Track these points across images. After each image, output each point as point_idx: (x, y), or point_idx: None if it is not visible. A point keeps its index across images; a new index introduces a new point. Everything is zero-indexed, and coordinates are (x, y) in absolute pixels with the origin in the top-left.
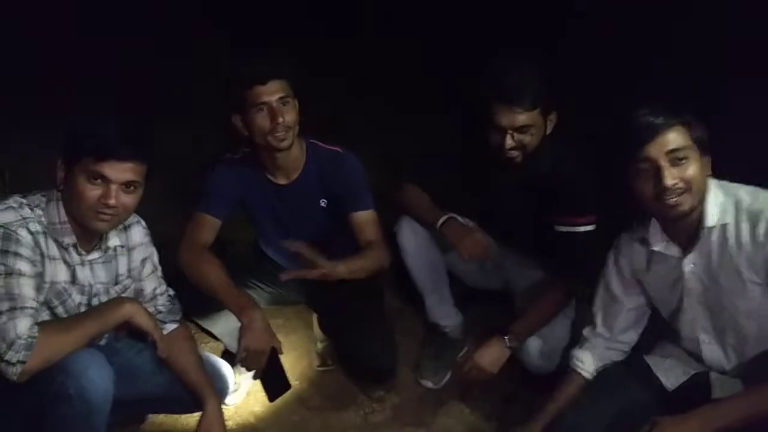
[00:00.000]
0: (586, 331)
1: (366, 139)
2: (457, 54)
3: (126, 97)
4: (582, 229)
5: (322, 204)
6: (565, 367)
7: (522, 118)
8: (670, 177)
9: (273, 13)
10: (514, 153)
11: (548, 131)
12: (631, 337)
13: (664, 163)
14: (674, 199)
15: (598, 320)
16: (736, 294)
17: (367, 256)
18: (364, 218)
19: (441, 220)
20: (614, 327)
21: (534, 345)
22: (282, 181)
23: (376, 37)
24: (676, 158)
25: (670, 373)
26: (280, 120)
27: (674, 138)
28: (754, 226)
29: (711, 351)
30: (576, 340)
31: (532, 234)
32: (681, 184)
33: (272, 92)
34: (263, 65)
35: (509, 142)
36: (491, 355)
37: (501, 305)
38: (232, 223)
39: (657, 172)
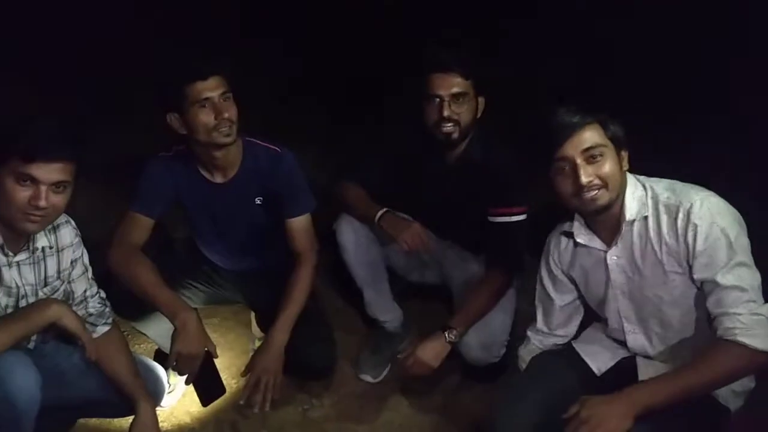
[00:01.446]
0: (528, 330)
1: (308, 137)
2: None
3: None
4: (515, 219)
5: (258, 202)
6: (504, 359)
7: (457, 81)
8: (586, 175)
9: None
10: (450, 127)
11: (479, 114)
12: (569, 330)
13: (580, 161)
14: (592, 195)
15: (538, 317)
16: (658, 285)
17: (299, 289)
18: (299, 225)
19: (379, 214)
20: (552, 322)
21: (473, 337)
22: (218, 180)
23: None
24: (591, 156)
25: (598, 358)
26: (225, 115)
27: (589, 136)
28: (674, 219)
29: (635, 339)
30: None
31: (466, 225)
32: (597, 181)
33: (214, 88)
34: (202, 61)
35: (446, 111)
36: (433, 350)
37: (439, 299)
38: (169, 222)
39: (574, 170)
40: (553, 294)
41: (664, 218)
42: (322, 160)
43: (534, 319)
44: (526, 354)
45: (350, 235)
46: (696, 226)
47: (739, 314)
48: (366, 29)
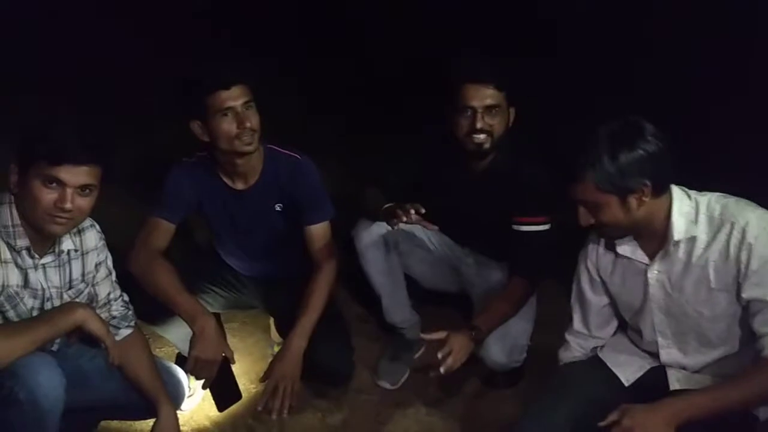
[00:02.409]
0: (567, 334)
1: (329, 144)
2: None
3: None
4: (541, 228)
5: (278, 208)
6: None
7: (491, 93)
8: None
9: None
10: (482, 137)
11: (510, 123)
12: (608, 331)
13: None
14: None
15: (576, 318)
16: (700, 301)
17: (318, 296)
18: (318, 232)
19: (385, 207)
20: (590, 324)
21: (494, 342)
22: (239, 186)
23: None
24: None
25: (627, 369)
26: (248, 125)
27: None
28: (727, 237)
29: (668, 354)
30: None
31: (489, 234)
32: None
33: (236, 97)
34: (226, 70)
35: (479, 123)
36: (460, 342)
37: (458, 307)
38: (191, 227)
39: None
40: (590, 295)
41: (715, 235)
42: (340, 169)
43: (570, 321)
44: (567, 358)
45: (368, 241)
46: (751, 245)
47: None
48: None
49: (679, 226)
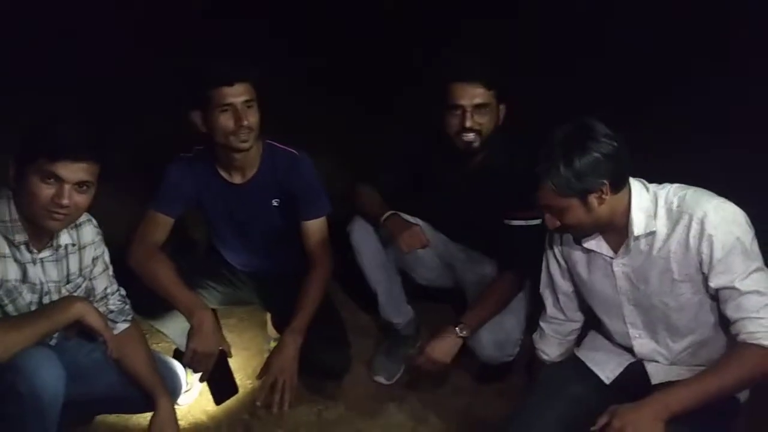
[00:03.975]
0: (541, 321)
1: (326, 140)
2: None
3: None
4: (531, 222)
5: (275, 203)
6: (515, 357)
7: (480, 92)
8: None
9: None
10: (472, 136)
11: (500, 121)
12: (581, 315)
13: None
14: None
15: (548, 304)
16: (665, 292)
17: (314, 291)
18: (314, 228)
19: (385, 216)
20: (563, 307)
21: (487, 336)
22: (237, 181)
23: (334, 40)
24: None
25: (605, 367)
26: (245, 123)
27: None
28: (687, 229)
29: (641, 344)
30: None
31: (481, 229)
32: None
33: (238, 94)
34: (230, 67)
35: (468, 122)
36: (443, 346)
37: (452, 302)
38: (187, 222)
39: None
40: (560, 281)
41: (674, 228)
42: (335, 165)
43: (544, 308)
44: (544, 346)
45: (364, 237)
46: (711, 236)
47: (761, 318)
48: (377, 31)
49: (638, 222)
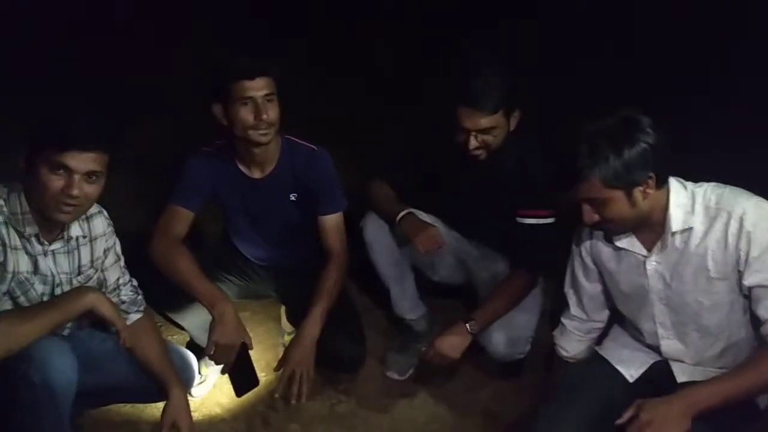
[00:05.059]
0: (563, 318)
1: (340, 132)
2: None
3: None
4: (545, 221)
5: (292, 198)
6: (526, 355)
7: (485, 121)
8: (589, 218)
9: None
10: (478, 152)
11: (512, 128)
12: (604, 315)
13: (585, 206)
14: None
15: (571, 302)
16: (699, 291)
17: (330, 285)
18: (331, 223)
19: (400, 215)
20: (586, 308)
21: (498, 333)
22: (256, 175)
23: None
24: (587, 200)
25: (630, 365)
26: (264, 117)
27: (587, 188)
28: (725, 226)
29: (668, 344)
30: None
31: (494, 226)
32: (605, 224)
33: (258, 88)
34: (252, 60)
35: (473, 142)
36: (453, 341)
37: (465, 298)
38: (203, 216)
39: (580, 210)
40: (583, 282)
41: (712, 225)
42: (347, 161)
43: (567, 306)
44: (564, 342)
45: (377, 233)
46: (750, 233)
47: None
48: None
49: (676, 218)
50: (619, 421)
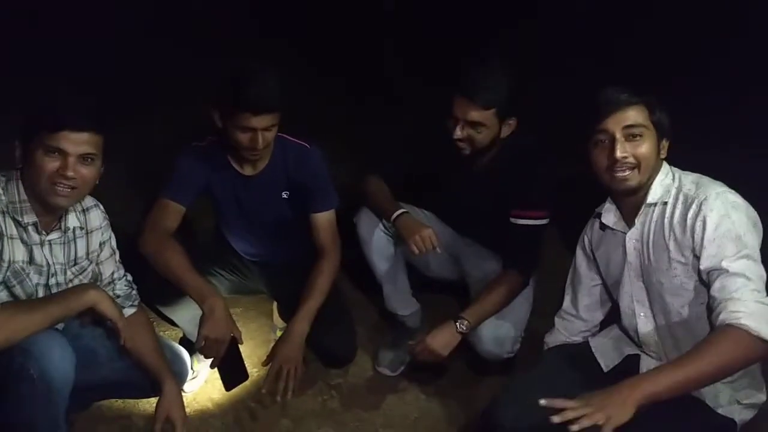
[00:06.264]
0: (556, 317)
1: (335, 130)
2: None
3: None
4: (538, 222)
5: (284, 195)
6: (515, 354)
7: (475, 114)
8: (621, 150)
9: None
10: (462, 144)
11: (503, 134)
12: (596, 315)
13: (619, 136)
14: (623, 174)
15: (566, 299)
16: (662, 272)
17: (321, 281)
18: (323, 220)
19: (396, 214)
20: (579, 304)
21: (487, 332)
22: (248, 172)
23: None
24: (631, 134)
25: (607, 355)
26: (260, 146)
27: (633, 115)
28: (686, 209)
29: (645, 324)
30: None
31: (487, 225)
32: (631, 159)
33: (261, 122)
34: (262, 97)
35: (458, 132)
36: (442, 339)
37: (458, 295)
38: (195, 212)
39: (612, 145)
40: (583, 273)
41: (679, 207)
42: (339, 157)
43: (561, 303)
44: (551, 341)
45: (371, 228)
46: (705, 216)
47: (744, 300)
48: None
49: (655, 192)
50: (557, 420)
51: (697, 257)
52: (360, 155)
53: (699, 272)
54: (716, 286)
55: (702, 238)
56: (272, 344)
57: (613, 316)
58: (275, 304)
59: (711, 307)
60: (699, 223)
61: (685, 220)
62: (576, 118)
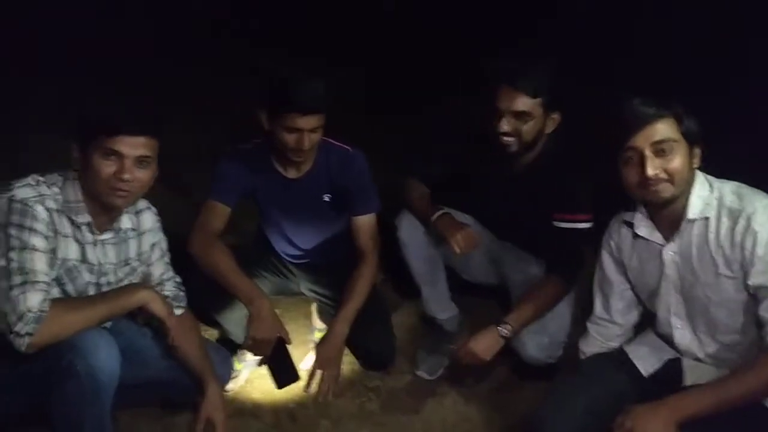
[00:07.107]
0: (588, 323)
1: (372, 135)
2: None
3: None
4: (581, 225)
5: (326, 198)
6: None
7: (522, 102)
8: (652, 167)
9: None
10: (510, 139)
11: (548, 130)
12: (630, 318)
13: (648, 153)
14: (655, 188)
15: (597, 304)
16: (709, 286)
17: (361, 284)
18: (364, 223)
19: (436, 215)
20: (611, 308)
21: (531, 337)
22: (292, 175)
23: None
24: (661, 149)
25: (646, 361)
26: (306, 147)
27: (662, 129)
28: (734, 224)
29: (682, 335)
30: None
31: (528, 229)
32: (663, 175)
33: (307, 124)
34: (309, 98)
35: (504, 126)
36: (485, 343)
37: (497, 299)
38: (239, 213)
39: (641, 162)
40: (613, 277)
41: (724, 221)
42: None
43: (593, 308)
44: (585, 347)
45: (411, 231)
46: (756, 232)
47: None
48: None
49: (694, 206)
50: (614, 426)
51: (746, 272)
52: (399, 160)
53: (747, 287)
54: (765, 305)
55: (752, 254)
56: (311, 345)
57: (645, 321)
58: (314, 305)
59: (759, 325)
60: (749, 239)
61: (734, 235)
62: (599, 131)
